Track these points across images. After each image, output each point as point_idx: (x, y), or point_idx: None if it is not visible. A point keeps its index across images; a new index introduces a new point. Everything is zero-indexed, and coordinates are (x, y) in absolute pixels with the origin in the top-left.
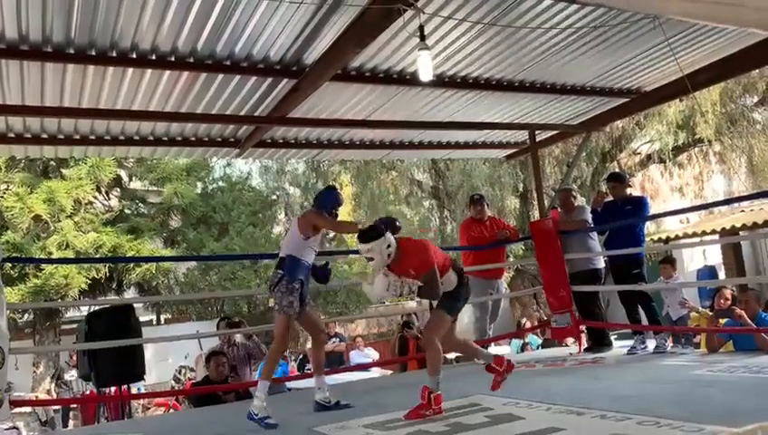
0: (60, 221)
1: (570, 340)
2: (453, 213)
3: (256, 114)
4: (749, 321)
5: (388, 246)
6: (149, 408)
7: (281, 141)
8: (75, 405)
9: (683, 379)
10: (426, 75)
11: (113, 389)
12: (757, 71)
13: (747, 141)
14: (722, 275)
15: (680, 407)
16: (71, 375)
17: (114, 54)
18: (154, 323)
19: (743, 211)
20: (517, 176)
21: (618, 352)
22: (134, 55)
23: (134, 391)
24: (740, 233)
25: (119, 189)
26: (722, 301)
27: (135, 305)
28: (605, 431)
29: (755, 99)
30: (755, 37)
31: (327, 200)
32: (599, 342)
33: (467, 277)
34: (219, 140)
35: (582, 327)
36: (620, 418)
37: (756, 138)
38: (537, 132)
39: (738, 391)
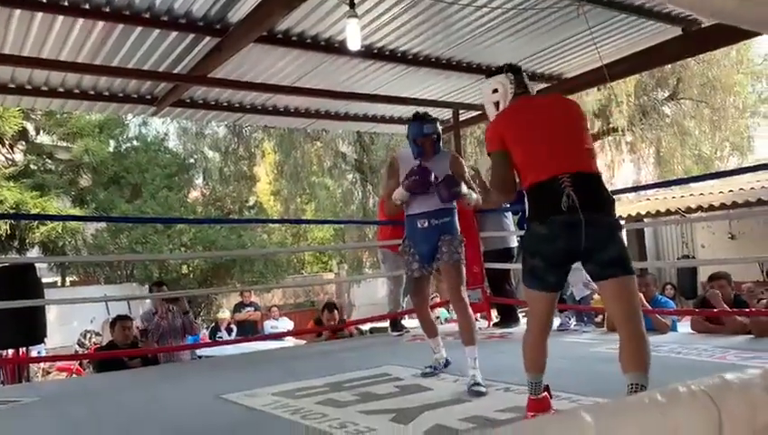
0: None
1: (479, 315)
2: (376, 187)
3: (175, 72)
4: (646, 303)
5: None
6: (50, 372)
7: (201, 102)
8: None
9: (583, 355)
10: (354, 44)
11: (10, 351)
12: (669, 66)
13: (656, 134)
14: None
15: (578, 381)
16: None
17: None
18: (59, 284)
19: (648, 199)
20: None
21: (524, 328)
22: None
23: (34, 354)
24: (644, 220)
25: (24, 143)
26: (643, 288)
27: (38, 266)
28: (508, 403)
29: (666, 93)
30: (672, 33)
31: (409, 131)
32: (507, 317)
33: (557, 217)
34: (135, 96)
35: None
36: (523, 391)
37: (665, 131)
38: (461, 112)
39: None
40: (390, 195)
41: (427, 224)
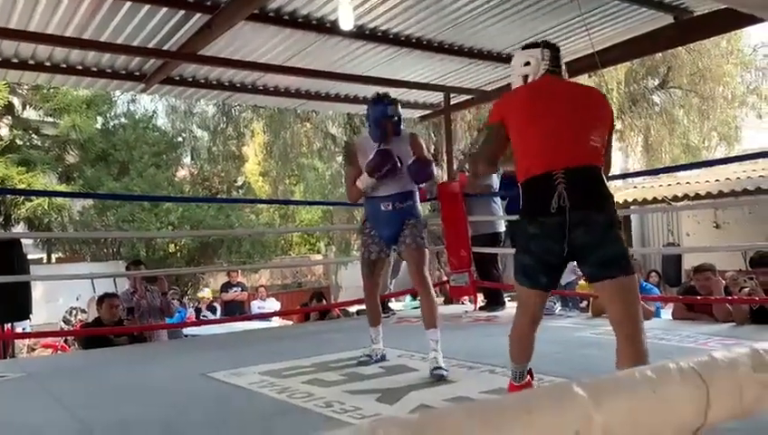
0: None
1: (466, 298)
2: None
3: (165, 48)
4: None
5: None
6: (35, 349)
7: (190, 80)
8: None
9: (567, 339)
10: (346, 24)
11: None
12: (660, 55)
13: (645, 122)
14: None
15: (561, 364)
16: None
17: None
18: (44, 261)
19: (635, 187)
20: (429, 137)
21: (510, 311)
22: None
23: (19, 330)
24: (631, 207)
25: (10, 118)
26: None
27: (24, 242)
28: (493, 385)
29: (656, 82)
30: (664, 21)
31: (368, 114)
32: (493, 301)
33: (546, 220)
34: (123, 72)
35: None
36: (508, 373)
37: (654, 119)
38: (452, 96)
39: (614, 351)
40: (354, 182)
41: (391, 207)
